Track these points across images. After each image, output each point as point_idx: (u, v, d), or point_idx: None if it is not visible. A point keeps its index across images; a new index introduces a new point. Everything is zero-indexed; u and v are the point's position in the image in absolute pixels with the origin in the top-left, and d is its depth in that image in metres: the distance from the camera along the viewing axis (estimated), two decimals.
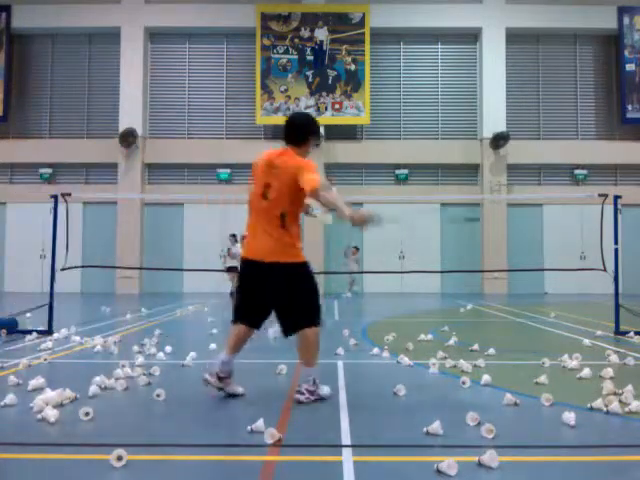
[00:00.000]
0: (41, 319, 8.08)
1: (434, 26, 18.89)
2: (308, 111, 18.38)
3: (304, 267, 4.13)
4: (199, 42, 19.31)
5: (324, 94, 18.45)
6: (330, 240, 18.36)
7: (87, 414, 3.57)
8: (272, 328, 7.68)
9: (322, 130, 18.22)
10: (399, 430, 3.45)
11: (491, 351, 6.12)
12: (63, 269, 7.79)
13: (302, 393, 4.06)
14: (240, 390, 4.24)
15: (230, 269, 15.56)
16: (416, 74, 19.30)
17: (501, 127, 18.40)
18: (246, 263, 4.18)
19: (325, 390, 4.19)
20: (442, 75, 19.27)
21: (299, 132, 4.34)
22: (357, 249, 17.22)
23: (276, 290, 4.06)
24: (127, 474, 2.73)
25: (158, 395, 4.12)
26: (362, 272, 15.87)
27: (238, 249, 15.74)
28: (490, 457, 2.79)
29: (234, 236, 16.21)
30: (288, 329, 4.13)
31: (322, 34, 18.59)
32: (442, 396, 4.34)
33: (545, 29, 19.06)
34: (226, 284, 16.18)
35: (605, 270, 8.13)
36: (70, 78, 19.30)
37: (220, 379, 4.14)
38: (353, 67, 18.53)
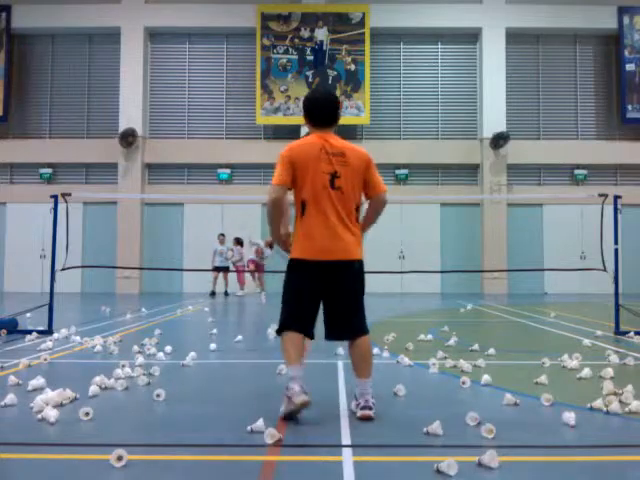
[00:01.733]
0: (41, 319, 8.08)
1: (434, 26, 18.88)
2: None
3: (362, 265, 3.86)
4: (199, 42, 19.30)
5: None
6: None
7: (87, 414, 3.56)
8: (270, 328, 7.69)
9: None
10: (399, 430, 3.44)
11: (491, 351, 6.12)
12: (63, 269, 7.79)
13: (371, 407, 3.65)
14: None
15: (218, 269, 15.89)
16: (416, 74, 19.29)
17: (501, 127, 18.39)
18: (318, 265, 3.67)
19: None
20: (442, 75, 19.26)
21: (338, 110, 3.85)
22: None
23: (350, 291, 3.75)
24: (127, 474, 2.73)
25: (158, 395, 4.12)
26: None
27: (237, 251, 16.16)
28: (490, 457, 2.79)
29: (223, 235, 16.54)
30: (348, 333, 3.79)
31: (322, 34, 18.58)
32: (442, 396, 4.34)
33: (545, 29, 19.05)
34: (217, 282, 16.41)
35: (605, 270, 8.13)
36: (70, 78, 19.29)
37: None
38: (353, 67, 18.53)
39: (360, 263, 3.78)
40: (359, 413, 3.65)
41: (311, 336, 3.79)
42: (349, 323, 3.76)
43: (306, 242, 3.67)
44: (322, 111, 3.79)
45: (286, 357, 3.69)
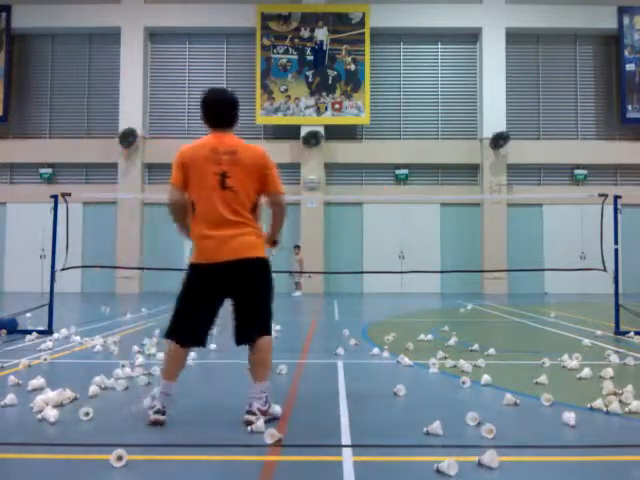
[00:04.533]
0: (41, 319, 8.08)
1: (434, 26, 18.88)
2: (307, 111, 18.39)
3: (267, 263, 3.71)
4: (199, 42, 19.30)
5: (324, 94, 18.44)
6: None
7: (87, 414, 3.57)
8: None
9: (322, 130, 18.26)
10: (399, 430, 3.45)
11: (491, 351, 6.12)
12: (63, 269, 7.79)
13: (254, 413, 3.49)
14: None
15: None
16: (416, 74, 19.29)
17: (501, 127, 18.38)
18: (210, 268, 3.59)
19: (277, 409, 3.67)
20: (442, 75, 19.26)
21: (236, 110, 3.79)
22: (298, 247, 17.23)
23: (247, 291, 3.63)
24: (127, 474, 2.73)
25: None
26: (301, 272, 16.01)
27: None
28: (490, 457, 2.79)
29: None
30: (250, 335, 3.64)
31: (322, 34, 18.58)
32: (442, 396, 4.34)
33: (545, 29, 19.05)
34: None
35: (605, 270, 8.13)
36: (70, 78, 19.29)
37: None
38: (353, 67, 18.53)
39: (257, 262, 3.60)
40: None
41: (202, 344, 3.70)
42: (250, 323, 3.63)
43: (198, 245, 3.63)
44: (215, 112, 3.74)
45: (163, 369, 3.63)
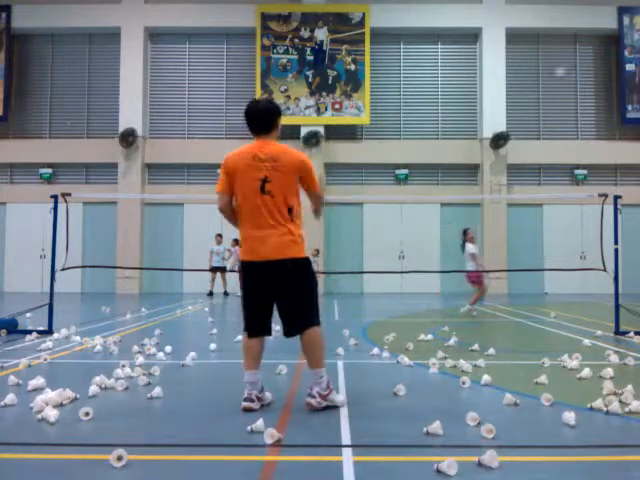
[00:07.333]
0: (41, 319, 8.09)
1: (434, 26, 18.88)
2: (307, 111, 18.40)
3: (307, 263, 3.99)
4: (199, 42, 19.30)
5: (324, 94, 18.45)
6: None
7: (87, 414, 3.57)
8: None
9: (322, 130, 18.27)
10: (399, 430, 3.45)
11: (491, 351, 6.12)
12: (63, 269, 7.79)
13: (313, 396, 3.82)
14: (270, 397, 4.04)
15: (215, 269, 15.97)
16: (416, 74, 19.29)
17: (501, 127, 18.38)
18: (255, 265, 3.90)
19: (339, 398, 3.94)
20: (442, 75, 19.26)
21: (273, 118, 4.21)
22: (317, 251, 17.21)
23: (289, 288, 3.90)
24: (127, 474, 2.73)
25: (157, 395, 4.12)
26: (336, 272, 16.03)
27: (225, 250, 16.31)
28: (490, 457, 2.79)
29: (221, 236, 16.60)
30: (296, 327, 3.93)
31: (322, 34, 18.58)
32: (442, 396, 4.34)
33: (545, 29, 19.05)
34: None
35: (605, 270, 8.13)
36: (70, 78, 19.30)
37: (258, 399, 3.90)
38: (353, 67, 18.53)
39: (291, 261, 3.86)
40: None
41: (266, 333, 4.00)
42: (293, 318, 3.93)
43: (244, 244, 3.96)
44: (253, 120, 4.12)
45: (243, 361, 3.98)
